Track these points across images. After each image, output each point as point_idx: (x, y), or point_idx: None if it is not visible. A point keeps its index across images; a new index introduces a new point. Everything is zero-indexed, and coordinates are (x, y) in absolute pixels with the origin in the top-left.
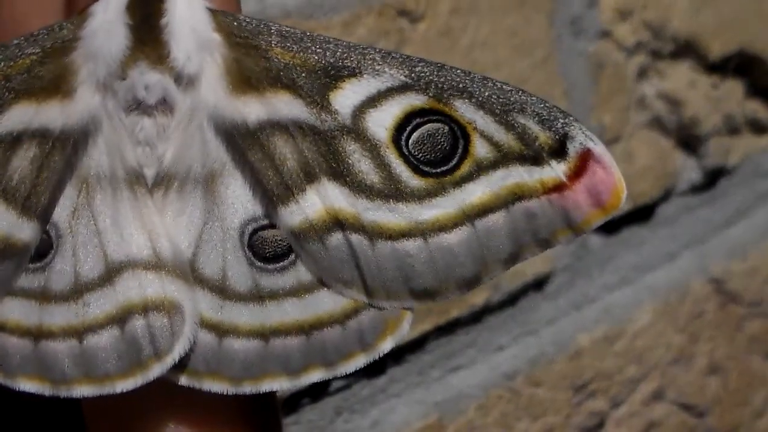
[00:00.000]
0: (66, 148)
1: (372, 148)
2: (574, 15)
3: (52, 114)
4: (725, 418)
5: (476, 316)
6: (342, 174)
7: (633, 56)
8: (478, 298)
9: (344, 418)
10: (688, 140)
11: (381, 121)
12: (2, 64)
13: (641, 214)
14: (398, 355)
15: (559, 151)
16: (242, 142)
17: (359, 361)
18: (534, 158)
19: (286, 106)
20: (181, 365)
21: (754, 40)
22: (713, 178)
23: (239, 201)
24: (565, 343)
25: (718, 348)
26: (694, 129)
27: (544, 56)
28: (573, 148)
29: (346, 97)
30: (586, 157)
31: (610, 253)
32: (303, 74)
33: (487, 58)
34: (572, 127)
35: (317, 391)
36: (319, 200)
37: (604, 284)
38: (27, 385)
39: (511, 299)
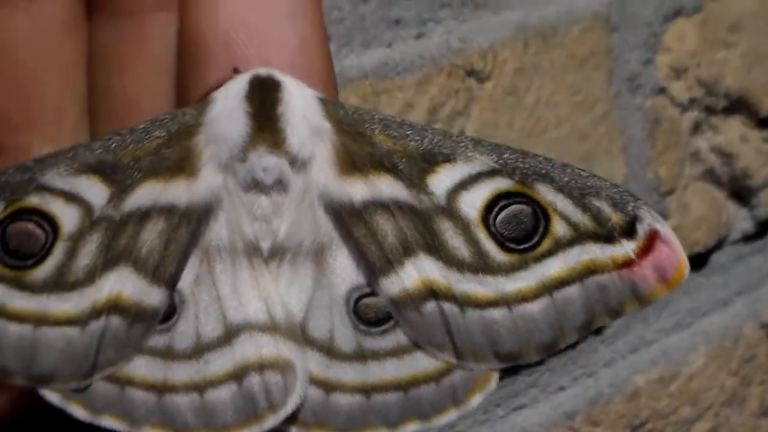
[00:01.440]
0: (191, 222)
1: (463, 226)
2: (632, 72)
3: (178, 192)
4: None
5: (538, 362)
6: (436, 249)
7: (687, 111)
8: None
9: None
10: (740, 192)
11: (472, 202)
12: (131, 146)
13: (696, 262)
14: None
15: (629, 230)
16: (348, 219)
17: (451, 415)
18: (606, 237)
19: (388, 187)
20: (292, 419)
21: None
22: (764, 227)
23: (345, 271)
24: (622, 385)
25: None
26: (745, 181)
27: (603, 112)
28: (642, 229)
29: (441, 181)
30: (653, 237)
31: (667, 298)
32: (403, 159)
33: (550, 115)
34: (641, 210)
35: None
36: (416, 272)
37: (661, 328)
38: None
39: (572, 344)
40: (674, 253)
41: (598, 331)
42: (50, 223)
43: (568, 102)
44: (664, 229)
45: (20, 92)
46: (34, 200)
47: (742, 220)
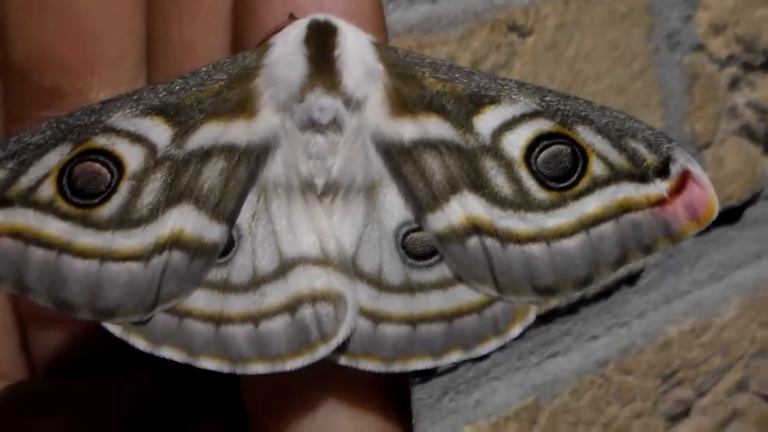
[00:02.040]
0: (250, 161)
1: (506, 165)
2: (672, 29)
3: (238, 132)
4: None
5: (573, 308)
6: (481, 186)
7: (725, 68)
8: None
9: (450, 397)
10: None
11: (515, 142)
12: (193, 89)
13: (730, 216)
14: None
15: (662, 171)
16: (398, 157)
17: (492, 345)
18: (641, 177)
19: (436, 127)
20: (341, 348)
21: None
22: None
23: (395, 207)
24: (654, 335)
25: None
26: None
27: (642, 67)
28: (675, 169)
29: (487, 122)
30: (685, 177)
31: (700, 251)
32: (451, 101)
33: (590, 69)
34: (675, 151)
35: (426, 372)
36: (461, 209)
37: (694, 280)
38: (208, 364)
39: (606, 293)
40: (705, 192)
41: (632, 281)
42: (116, 162)
43: (607, 57)
44: (696, 169)
45: (81, 39)
46: (100, 141)
47: None
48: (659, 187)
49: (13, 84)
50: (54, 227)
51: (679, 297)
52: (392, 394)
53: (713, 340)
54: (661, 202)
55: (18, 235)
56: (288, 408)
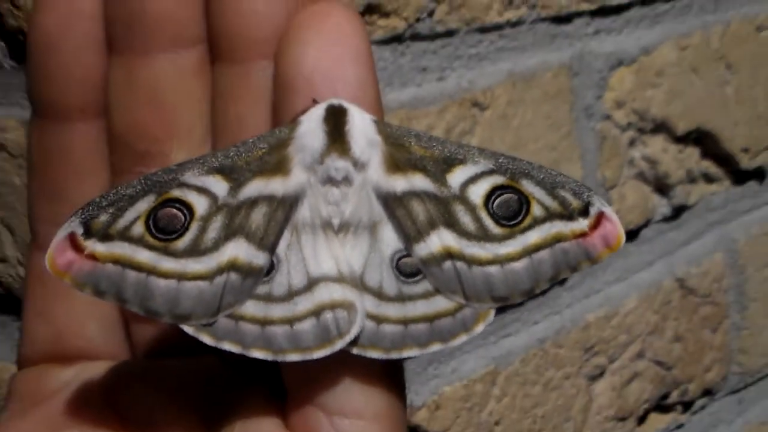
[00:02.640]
0: (285, 207)
1: (471, 208)
2: (587, 104)
3: (276, 186)
4: (685, 371)
5: (521, 302)
6: (452, 224)
7: (626, 132)
8: None
9: (433, 366)
10: (662, 187)
11: (477, 192)
12: (243, 154)
13: (630, 236)
14: None
15: (584, 212)
16: (392, 203)
17: (463, 338)
18: (569, 216)
19: (420, 182)
20: (353, 342)
21: (707, 121)
22: (678, 212)
23: (390, 240)
24: (578, 320)
25: (681, 324)
26: (665, 179)
27: (567, 132)
28: (593, 210)
29: (456, 177)
30: (600, 216)
31: (609, 261)
32: (431, 162)
33: (530, 134)
34: (593, 198)
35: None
36: (438, 240)
37: (605, 281)
38: (257, 354)
39: (544, 292)
40: (615, 227)
41: (562, 283)
42: (188, 208)
43: (542, 125)
44: (608, 210)
45: (162, 115)
46: (176, 192)
47: (662, 207)
48: (582, 224)
49: (115, 147)
50: (143, 256)
51: (595, 293)
52: (391, 374)
53: (620, 323)
54: (583, 234)
55: (117, 261)
56: (316, 384)
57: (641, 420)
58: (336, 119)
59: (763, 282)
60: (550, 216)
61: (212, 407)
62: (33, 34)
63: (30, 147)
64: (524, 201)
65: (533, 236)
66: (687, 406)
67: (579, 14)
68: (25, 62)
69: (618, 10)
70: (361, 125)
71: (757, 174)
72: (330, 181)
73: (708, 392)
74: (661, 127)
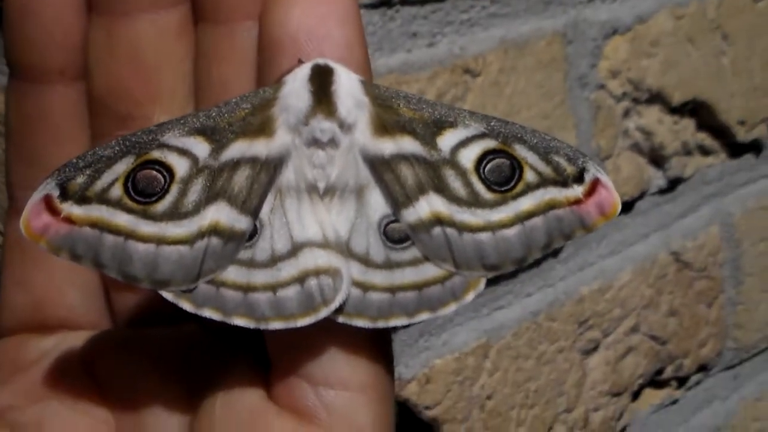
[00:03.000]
0: (269, 169)
1: (461, 173)
2: (581, 74)
3: (259, 147)
4: (680, 345)
5: (513, 274)
6: (442, 189)
7: (620, 102)
8: None
9: (424, 338)
10: (657, 159)
11: (468, 156)
12: (226, 115)
13: (625, 208)
14: None
15: (578, 178)
16: (380, 167)
17: (452, 307)
18: (563, 182)
19: (409, 144)
20: (339, 310)
21: (703, 92)
22: (674, 184)
23: (378, 204)
24: (572, 293)
25: (675, 299)
26: (661, 151)
27: (560, 101)
28: (588, 177)
29: (447, 140)
30: (596, 183)
31: (604, 233)
32: (420, 125)
33: (522, 102)
34: (588, 163)
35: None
36: (427, 206)
37: (599, 254)
38: (238, 321)
39: (537, 262)
40: (610, 194)
41: (555, 254)
42: (167, 170)
43: (535, 93)
44: (604, 177)
45: (144, 77)
46: (156, 154)
47: (657, 179)
48: (576, 191)
49: (96, 111)
50: (122, 219)
51: (589, 266)
52: (378, 344)
53: (614, 296)
54: (577, 201)
55: (95, 224)
56: (301, 354)
57: (636, 395)
58: (322, 79)
59: (758, 256)
60: (543, 182)
61: (195, 377)
62: None
63: (8, 111)
64: (517, 166)
65: (526, 203)
66: (682, 381)
67: None
68: (1, 25)
69: None
70: (347, 85)
71: (754, 147)
72: (315, 143)
73: (703, 368)
74: (656, 98)
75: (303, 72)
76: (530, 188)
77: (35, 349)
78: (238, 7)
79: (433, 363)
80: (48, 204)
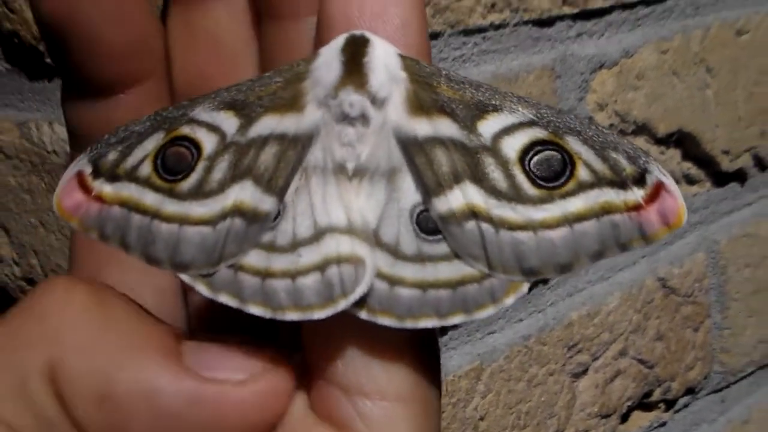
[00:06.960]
0: (297, 147)
1: (503, 163)
2: (570, 106)
3: (289, 123)
4: (667, 369)
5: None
6: (480, 179)
7: None
8: None
9: None
10: None
11: (512, 145)
12: (257, 89)
13: None
14: None
15: (639, 180)
16: (413, 149)
17: (490, 311)
18: (621, 184)
19: (446, 127)
20: (362, 305)
21: (688, 123)
22: None
23: (410, 190)
24: (562, 318)
25: (663, 323)
26: None
27: None
28: (650, 180)
29: (489, 126)
30: (659, 187)
31: None
32: (460, 106)
33: None
34: (651, 164)
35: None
36: (462, 196)
37: (588, 280)
38: (254, 310)
39: (528, 290)
40: (676, 201)
41: (546, 282)
42: (196, 146)
43: None
44: (668, 181)
45: (225, 64)
46: (185, 130)
47: None
48: (636, 194)
49: (178, 101)
50: (149, 198)
51: (578, 292)
52: (420, 350)
53: (602, 321)
54: (637, 207)
55: (124, 204)
56: (333, 358)
57: (624, 418)
58: (355, 49)
59: (743, 282)
60: (598, 181)
61: None
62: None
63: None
64: (568, 161)
65: (577, 203)
66: (670, 404)
67: (561, 17)
68: (20, 64)
69: (599, 13)
70: (383, 57)
71: (738, 176)
72: (345, 118)
73: (690, 391)
74: (642, 129)
75: (337, 42)
76: (583, 187)
77: None
78: (306, 3)
79: None
80: (80, 181)
